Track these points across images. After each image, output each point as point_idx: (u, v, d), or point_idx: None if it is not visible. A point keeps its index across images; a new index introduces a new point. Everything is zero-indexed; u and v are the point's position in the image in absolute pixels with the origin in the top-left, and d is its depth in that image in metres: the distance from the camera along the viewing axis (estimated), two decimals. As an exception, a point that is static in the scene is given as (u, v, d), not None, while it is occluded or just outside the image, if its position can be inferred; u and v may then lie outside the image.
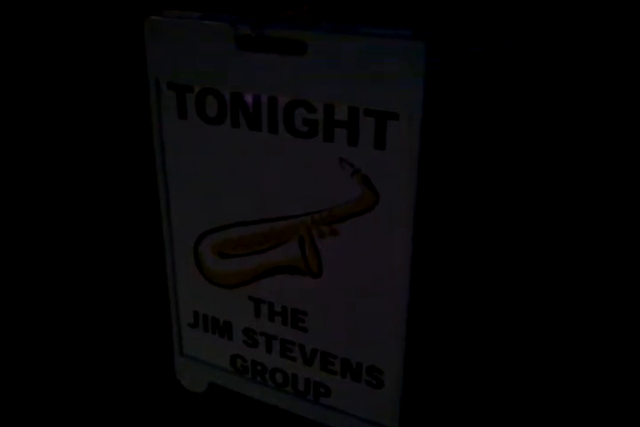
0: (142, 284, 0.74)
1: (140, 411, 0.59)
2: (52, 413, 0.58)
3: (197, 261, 0.55)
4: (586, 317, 0.62)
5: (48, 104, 0.81)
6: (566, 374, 0.60)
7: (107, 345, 0.67)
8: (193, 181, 0.52)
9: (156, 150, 0.52)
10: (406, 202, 0.44)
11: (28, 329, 0.70)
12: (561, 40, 0.51)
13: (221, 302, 0.56)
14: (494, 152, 0.55)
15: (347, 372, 0.52)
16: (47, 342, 0.68)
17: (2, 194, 0.85)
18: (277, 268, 0.51)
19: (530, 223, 0.60)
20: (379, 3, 0.46)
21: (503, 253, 0.61)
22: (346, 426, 0.54)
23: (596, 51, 0.51)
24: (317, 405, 0.55)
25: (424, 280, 0.47)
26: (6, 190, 0.85)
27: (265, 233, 0.50)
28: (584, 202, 0.58)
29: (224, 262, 0.54)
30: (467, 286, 0.61)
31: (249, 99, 0.46)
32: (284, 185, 0.48)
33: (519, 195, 0.58)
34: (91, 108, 0.78)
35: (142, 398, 0.60)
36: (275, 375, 0.56)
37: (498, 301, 0.63)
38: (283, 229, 0.49)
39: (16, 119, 0.83)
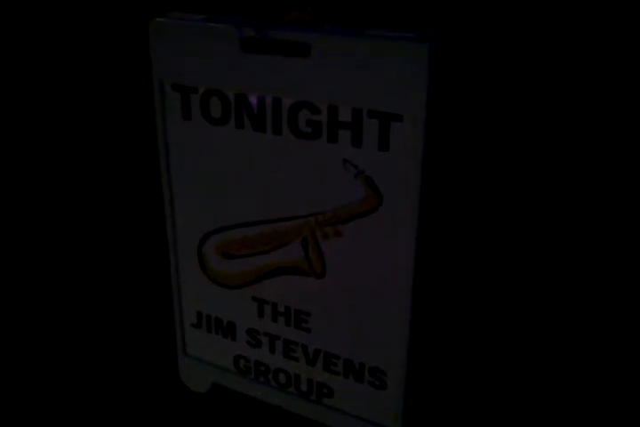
0: (146, 284, 0.75)
1: (142, 411, 0.59)
2: (55, 413, 0.59)
3: (201, 261, 0.55)
4: (591, 319, 0.62)
5: (51, 105, 0.81)
6: (570, 377, 0.60)
7: (109, 345, 0.67)
8: (197, 182, 0.52)
9: (160, 151, 0.52)
10: (410, 203, 0.44)
11: (29, 329, 0.70)
12: (567, 40, 0.51)
13: (225, 303, 0.56)
14: (499, 154, 0.55)
15: (350, 373, 0.52)
16: (49, 342, 0.68)
17: (5, 194, 0.86)
18: (281, 268, 0.51)
19: (535, 225, 0.60)
20: (382, 5, 0.46)
21: (507, 255, 0.61)
22: (348, 427, 0.54)
23: (605, 55, 0.51)
24: (320, 405, 0.55)
25: (428, 282, 0.47)
26: (10, 190, 0.85)
27: (269, 234, 0.50)
28: (590, 205, 0.58)
29: (228, 263, 0.54)
30: (471, 287, 0.61)
31: (253, 100, 0.46)
32: (288, 186, 0.48)
33: (524, 196, 0.58)
34: (94, 109, 0.78)
35: (145, 398, 0.60)
36: (278, 376, 0.56)
37: (502, 302, 0.63)
38: (286, 230, 0.50)
39: (19, 120, 0.83)
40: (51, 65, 0.78)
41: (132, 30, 0.59)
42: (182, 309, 0.58)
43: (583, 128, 0.53)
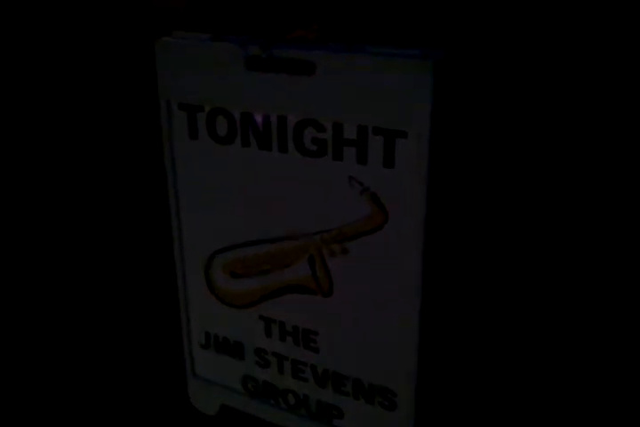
0: (153, 304, 0.74)
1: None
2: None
3: (209, 280, 0.54)
4: (607, 332, 0.61)
5: (60, 122, 0.82)
6: (587, 389, 0.59)
7: (117, 366, 0.67)
8: (204, 201, 0.52)
9: (167, 170, 0.52)
10: (416, 220, 0.43)
11: (33, 347, 0.70)
12: (569, 54, 0.51)
13: (233, 323, 0.55)
14: (505, 170, 0.54)
15: (359, 393, 0.51)
16: (55, 365, 0.68)
17: (12, 208, 0.86)
18: (288, 287, 0.51)
19: (544, 239, 0.59)
20: (388, 23, 0.46)
21: (517, 271, 0.61)
22: (359, 449, 0.53)
23: (615, 74, 0.51)
24: (330, 427, 0.54)
25: (436, 298, 0.47)
26: (12, 199, 0.86)
27: (276, 252, 0.50)
28: (593, 223, 0.57)
29: (235, 282, 0.53)
30: (480, 304, 0.60)
31: (259, 118, 0.46)
32: (295, 204, 0.48)
33: (531, 210, 0.57)
34: (102, 128, 0.79)
35: (154, 420, 0.60)
36: (287, 397, 0.56)
37: (513, 319, 0.62)
38: (293, 248, 0.49)
39: (29, 139, 0.84)
40: (59, 84, 0.79)
41: (138, 50, 0.60)
42: (190, 329, 0.58)
43: (587, 139, 0.53)
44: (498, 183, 0.54)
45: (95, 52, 0.73)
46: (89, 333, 0.72)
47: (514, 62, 0.50)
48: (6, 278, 0.81)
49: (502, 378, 0.61)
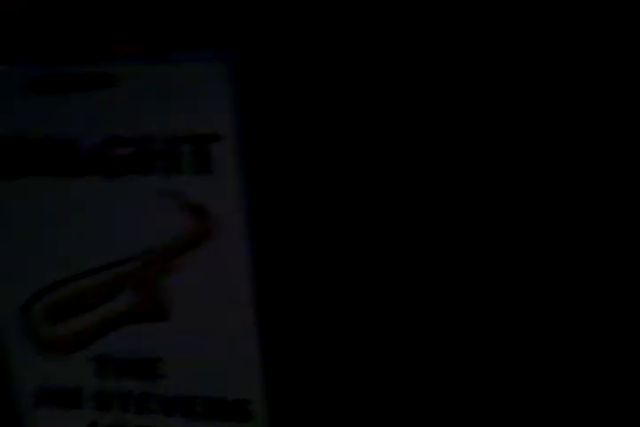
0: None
1: None
2: None
3: (30, 328, 0.50)
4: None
5: None
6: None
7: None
8: (10, 241, 0.48)
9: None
10: (242, 226, 0.43)
11: None
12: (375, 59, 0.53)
13: (65, 370, 0.51)
14: (324, 167, 0.56)
15: (213, 412, 0.50)
16: None
17: None
18: (121, 318, 0.49)
19: (372, 239, 0.61)
20: (204, 31, 0.46)
21: (354, 276, 0.62)
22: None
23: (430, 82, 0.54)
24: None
25: (272, 304, 0.47)
26: None
27: (100, 284, 0.48)
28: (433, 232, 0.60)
29: (61, 325, 0.50)
30: (318, 309, 0.61)
31: (56, 143, 0.44)
32: (111, 229, 0.46)
33: (359, 211, 0.59)
34: None
35: None
36: (138, 436, 0.53)
37: (352, 323, 0.64)
38: (118, 276, 0.47)
39: None
40: None
41: None
42: (17, 386, 0.53)
43: (402, 140, 0.56)
44: (324, 185, 0.55)
45: None
46: None
47: (323, 58, 0.51)
48: None
49: (348, 379, 0.62)
